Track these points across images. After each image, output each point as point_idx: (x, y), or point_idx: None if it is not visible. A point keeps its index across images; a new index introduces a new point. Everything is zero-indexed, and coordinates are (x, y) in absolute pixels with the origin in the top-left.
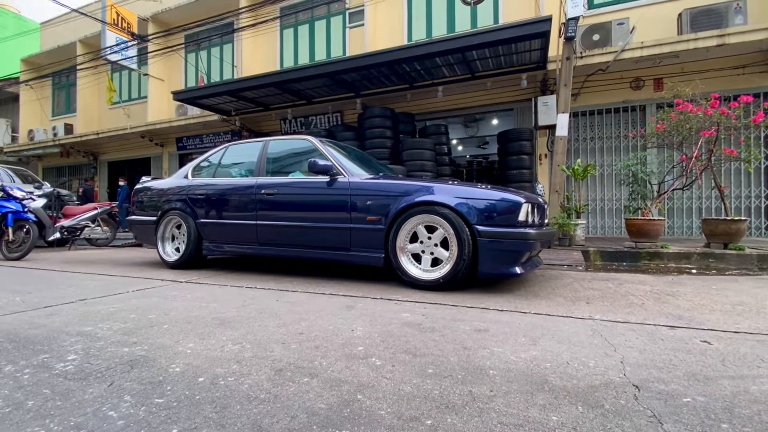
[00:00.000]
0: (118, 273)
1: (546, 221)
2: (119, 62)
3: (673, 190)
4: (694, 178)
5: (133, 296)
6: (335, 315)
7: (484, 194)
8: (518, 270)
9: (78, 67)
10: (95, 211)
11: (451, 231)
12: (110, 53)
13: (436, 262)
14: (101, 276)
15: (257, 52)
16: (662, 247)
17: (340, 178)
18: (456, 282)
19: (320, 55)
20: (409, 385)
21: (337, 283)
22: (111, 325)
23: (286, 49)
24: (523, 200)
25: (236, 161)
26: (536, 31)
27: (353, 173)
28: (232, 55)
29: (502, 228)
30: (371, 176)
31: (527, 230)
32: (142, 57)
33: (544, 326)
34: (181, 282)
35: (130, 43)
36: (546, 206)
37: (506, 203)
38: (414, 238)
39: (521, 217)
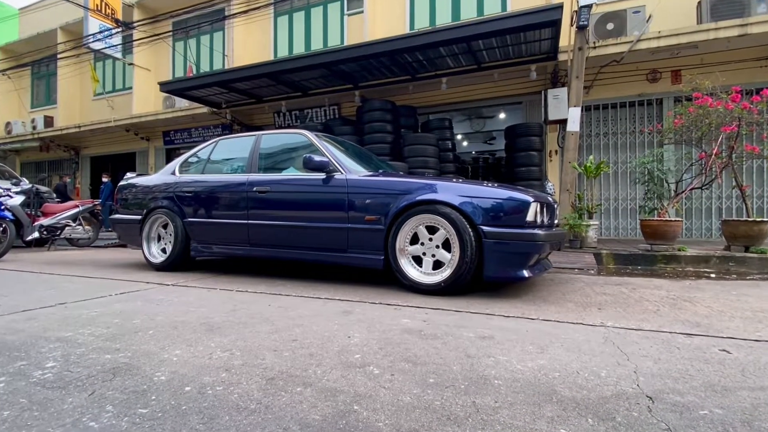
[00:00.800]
0: (100, 275)
1: (556, 222)
2: (103, 51)
3: (692, 189)
4: (713, 176)
5: (116, 300)
6: (331, 320)
7: (490, 193)
8: (526, 273)
9: (59, 56)
10: (76, 210)
11: (454, 232)
12: (93, 41)
13: (438, 264)
14: (83, 278)
15: (249, 41)
16: (679, 250)
17: (337, 175)
18: (459, 286)
19: (316, 44)
20: (409, 396)
21: (333, 286)
22: (93, 331)
23: (280, 38)
24: (531, 199)
25: (227, 157)
26: (546, 20)
27: (351, 170)
28: (223, 43)
29: (509, 229)
30: (370, 173)
31: (536, 231)
32: (127, 45)
33: (552, 333)
34: (168, 285)
35: (114, 31)
36: (556, 206)
37: (514, 202)
38: (415, 239)
39: (529, 217)
